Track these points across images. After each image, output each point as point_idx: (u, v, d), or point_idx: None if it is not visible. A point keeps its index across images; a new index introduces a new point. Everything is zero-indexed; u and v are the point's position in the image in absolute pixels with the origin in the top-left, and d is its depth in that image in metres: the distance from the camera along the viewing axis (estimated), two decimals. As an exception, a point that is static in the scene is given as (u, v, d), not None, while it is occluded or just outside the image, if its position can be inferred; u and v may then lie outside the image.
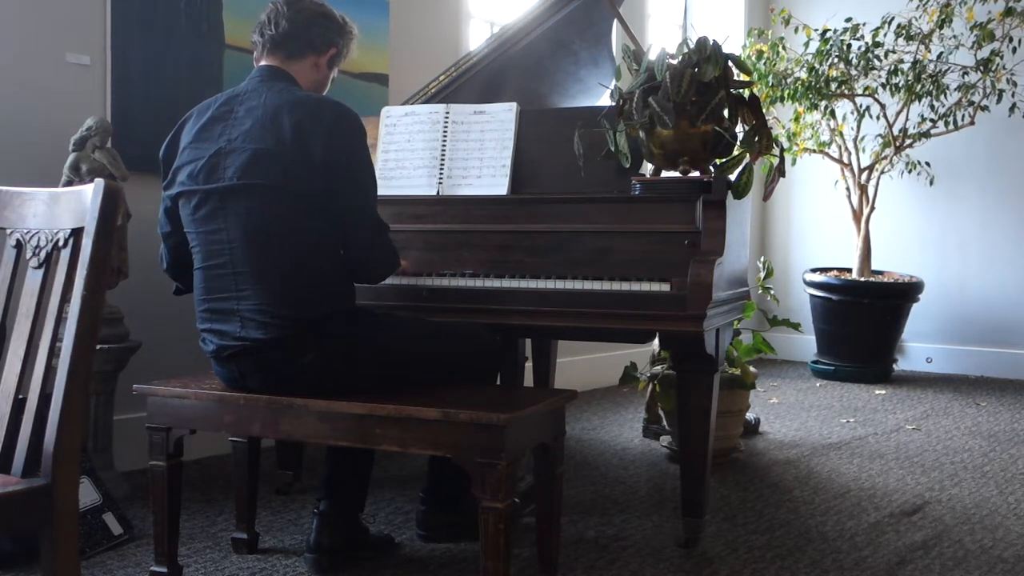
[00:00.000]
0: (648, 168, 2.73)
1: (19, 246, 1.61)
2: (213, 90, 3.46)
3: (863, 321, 5.60)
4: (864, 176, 5.70)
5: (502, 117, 2.78)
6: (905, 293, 5.62)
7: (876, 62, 5.38)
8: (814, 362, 5.87)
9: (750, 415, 4.00)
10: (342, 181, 2.21)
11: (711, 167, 2.63)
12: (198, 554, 2.53)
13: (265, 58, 2.37)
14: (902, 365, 6.11)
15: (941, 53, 5.31)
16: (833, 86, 5.44)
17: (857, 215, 5.74)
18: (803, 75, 5.46)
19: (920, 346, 6.15)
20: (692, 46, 2.56)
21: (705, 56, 2.52)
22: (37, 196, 1.61)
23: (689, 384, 2.56)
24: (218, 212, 2.20)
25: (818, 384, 5.56)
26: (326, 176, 2.18)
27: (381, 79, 4.08)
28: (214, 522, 2.79)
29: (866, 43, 5.35)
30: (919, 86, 5.33)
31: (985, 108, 5.34)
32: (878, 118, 5.57)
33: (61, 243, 1.53)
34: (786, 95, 5.45)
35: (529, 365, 3.58)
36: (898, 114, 5.53)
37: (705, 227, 2.48)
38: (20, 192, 1.64)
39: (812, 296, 5.81)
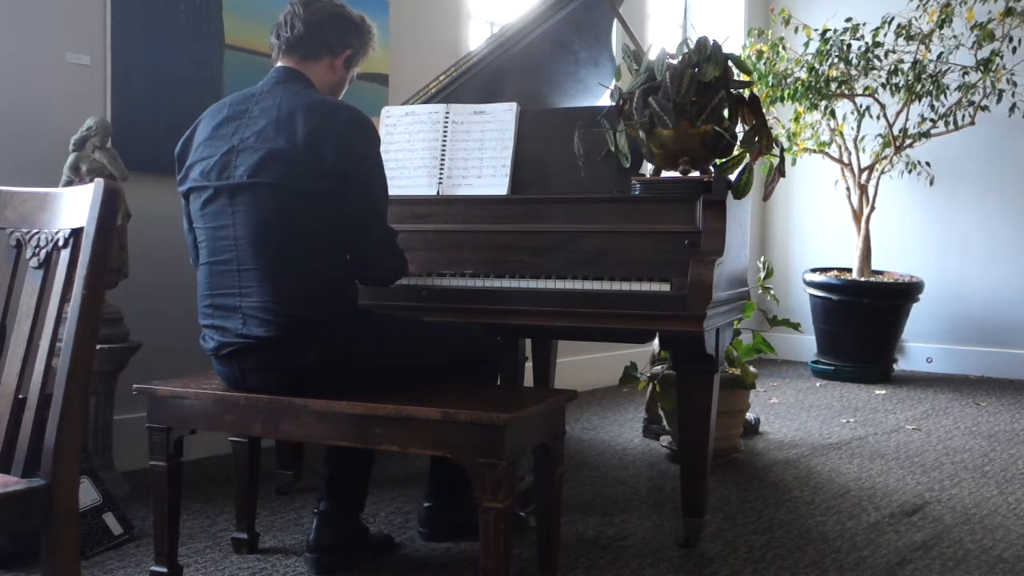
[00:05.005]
0: (648, 168, 2.73)
1: (19, 246, 1.61)
2: (213, 90, 3.47)
3: (863, 321, 5.60)
4: (864, 176, 5.70)
5: (502, 117, 2.78)
6: (905, 293, 5.62)
7: (876, 62, 5.38)
8: (814, 362, 5.87)
9: (750, 415, 4.00)
10: (352, 186, 2.21)
11: (711, 167, 2.63)
12: (198, 554, 2.53)
13: (281, 59, 2.37)
14: (902, 365, 6.11)
15: (941, 53, 5.31)
16: (833, 86, 5.44)
17: (857, 215, 5.74)
18: (803, 75, 5.46)
19: (920, 346, 6.15)
20: (692, 46, 2.56)
21: (705, 56, 2.52)
22: (37, 196, 1.61)
23: (689, 384, 2.56)
24: (226, 209, 2.21)
25: (818, 384, 5.56)
26: (336, 180, 2.18)
27: (381, 79, 4.08)
28: (214, 522, 2.79)
29: (866, 43, 5.35)
30: (919, 86, 5.33)
31: (985, 108, 5.34)
32: (878, 118, 5.57)
33: (61, 243, 1.53)
34: (786, 95, 5.45)
35: (529, 365, 3.58)
36: (898, 114, 5.53)
37: (705, 227, 2.48)
38: (20, 192, 1.64)
39: (812, 296, 5.81)
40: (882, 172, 5.70)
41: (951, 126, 5.39)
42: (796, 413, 4.63)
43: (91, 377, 1.56)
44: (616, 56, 3.55)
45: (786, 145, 5.66)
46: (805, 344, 6.14)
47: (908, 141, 5.52)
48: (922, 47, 5.37)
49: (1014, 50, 5.22)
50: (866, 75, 5.45)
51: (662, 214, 2.54)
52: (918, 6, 5.34)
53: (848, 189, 5.78)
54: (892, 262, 6.06)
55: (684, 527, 2.62)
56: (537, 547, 2.35)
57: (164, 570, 2.30)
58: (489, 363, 2.54)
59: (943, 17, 5.25)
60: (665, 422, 3.67)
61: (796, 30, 5.62)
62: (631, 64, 2.68)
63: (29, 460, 1.49)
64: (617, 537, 2.70)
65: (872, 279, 5.67)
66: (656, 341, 3.23)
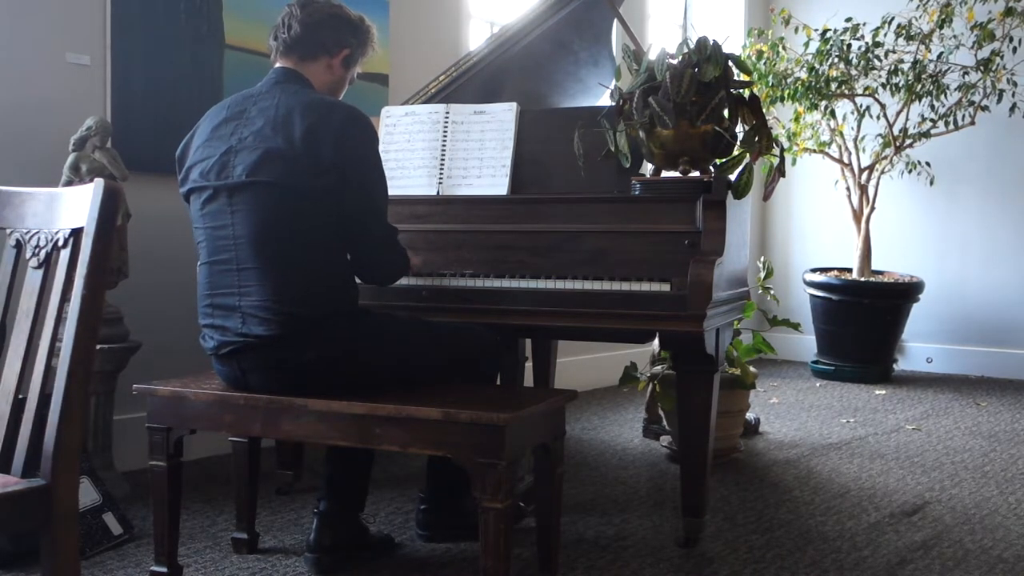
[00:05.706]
0: (648, 168, 2.73)
1: (19, 246, 1.61)
2: (213, 90, 3.47)
3: (863, 321, 5.60)
4: (864, 176, 5.70)
5: (502, 117, 2.78)
6: (905, 293, 5.62)
7: (876, 62, 5.38)
8: (814, 362, 5.87)
9: (750, 415, 4.00)
10: (351, 185, 2.21)
11: (711, 167, 2.63)
12: (198, 554, 2.53)
13: (280, 60, 2.38)
14: (902, 365, 6.11)
15: (941, 53, 5.31)
16: (833, 86, 5.43)
17: (857, 215, 5.74)
18: (803, 75, 5.46)
19: (920, 346, 6.15)
20: (692, 46, 2.56)
21: (705, 56, 2.52)
22: (37, 196, 1.61)
23: (689, 384, 2.56)
24: (225, 208, 2.21)
25: (818, 384, 5.56)
26: (335, 179, 2.18)
27: (381, 79, 4.08)
28: (214, 522, 2.79)
29: (866, 43, 5.35)
30: (919, 86, 5.33)
31: (985, 108, 5.33)
32: (878, 118, 5.57)
33: (61, 243, 1.53)
34: (786, 95, 5.45)
35: (529, 365, 3.58)
36: (898, 114, 5.53)
37: (705, 227, 2.48)
38: (20, 192, 1.64)
39: (812, 296, 5.81)
40: (882, 172, 5.70)
41: (951, 126, 5.39)
42: (796, 413, 4.63)
43: (91, 377, 1.56)
44: (616, 56, 3.55)
45: (786, 145, 5.66)
46: (805, 344, 6.14)
47: (908, 141, 5.52)
48: (922, 47, 5.37)
49: (1014, 50, 5.21)
50: (866, 75, 5.45)
51: (662, 214, 2.54)
52: (918, 6, 5.34)
53: (848, 189, 5.78)
54: (892, 262, 6.06)
55: (684, 527, 2.62)
56: (537, 547, 2.35)
57: (164, 570, 2.30)
58: (489, 363, 2.54)
59: (943, 17, 5.25)
60: (665, 422, 3.67)
61: (796, 30, 5.62)
62: (631, 64, 2.68)
63: (29, 460, 1.49)
64: (617, 537, 2.70)
65: (872, 279, 5.67)
66: (656, 341, 3.23)
